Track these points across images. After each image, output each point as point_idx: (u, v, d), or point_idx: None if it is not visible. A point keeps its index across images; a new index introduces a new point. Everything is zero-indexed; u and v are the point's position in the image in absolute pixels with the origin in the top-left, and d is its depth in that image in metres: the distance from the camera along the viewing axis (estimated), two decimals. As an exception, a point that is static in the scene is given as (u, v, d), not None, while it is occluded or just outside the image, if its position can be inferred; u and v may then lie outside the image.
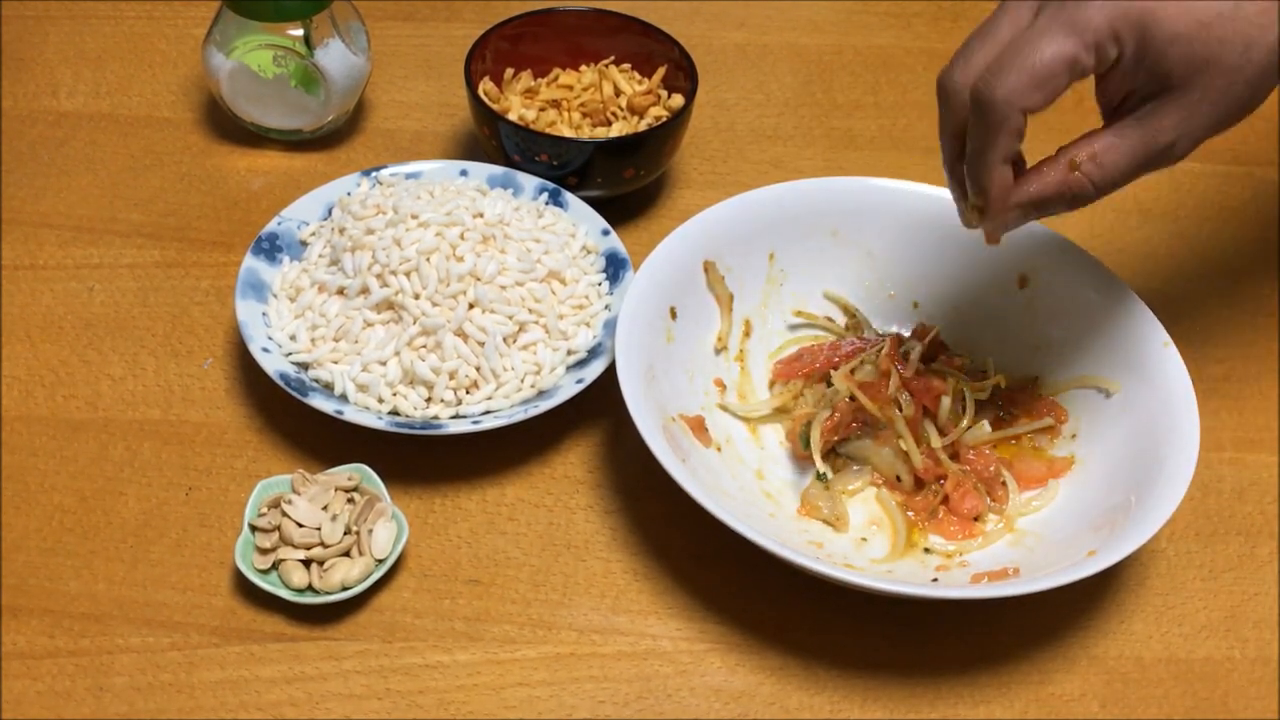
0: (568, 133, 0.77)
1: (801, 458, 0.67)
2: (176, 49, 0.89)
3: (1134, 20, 0.53)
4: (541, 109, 0.79)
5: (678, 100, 0.79)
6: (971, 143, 0.56)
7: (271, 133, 0.82)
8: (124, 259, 0.75)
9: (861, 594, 0.60)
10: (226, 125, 0.83)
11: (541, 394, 0.65)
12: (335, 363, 0.65)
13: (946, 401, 0.65)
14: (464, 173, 0.75)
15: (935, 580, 0.62)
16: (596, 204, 0.74)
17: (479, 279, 0.66)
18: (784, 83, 0.91)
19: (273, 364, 0.64)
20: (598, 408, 0.68)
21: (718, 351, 0.70)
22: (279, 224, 0.71)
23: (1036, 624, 0.62)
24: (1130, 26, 0.53)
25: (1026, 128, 0.55)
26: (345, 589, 0.59)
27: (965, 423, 0.65)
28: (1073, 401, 0.68)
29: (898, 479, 0.65)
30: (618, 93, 0.80)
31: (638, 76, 0.82)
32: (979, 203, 0.58)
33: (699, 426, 0.66)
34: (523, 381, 0.65)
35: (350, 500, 0.62)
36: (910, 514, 0.65)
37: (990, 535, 0.64)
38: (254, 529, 0.60)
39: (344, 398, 0.64)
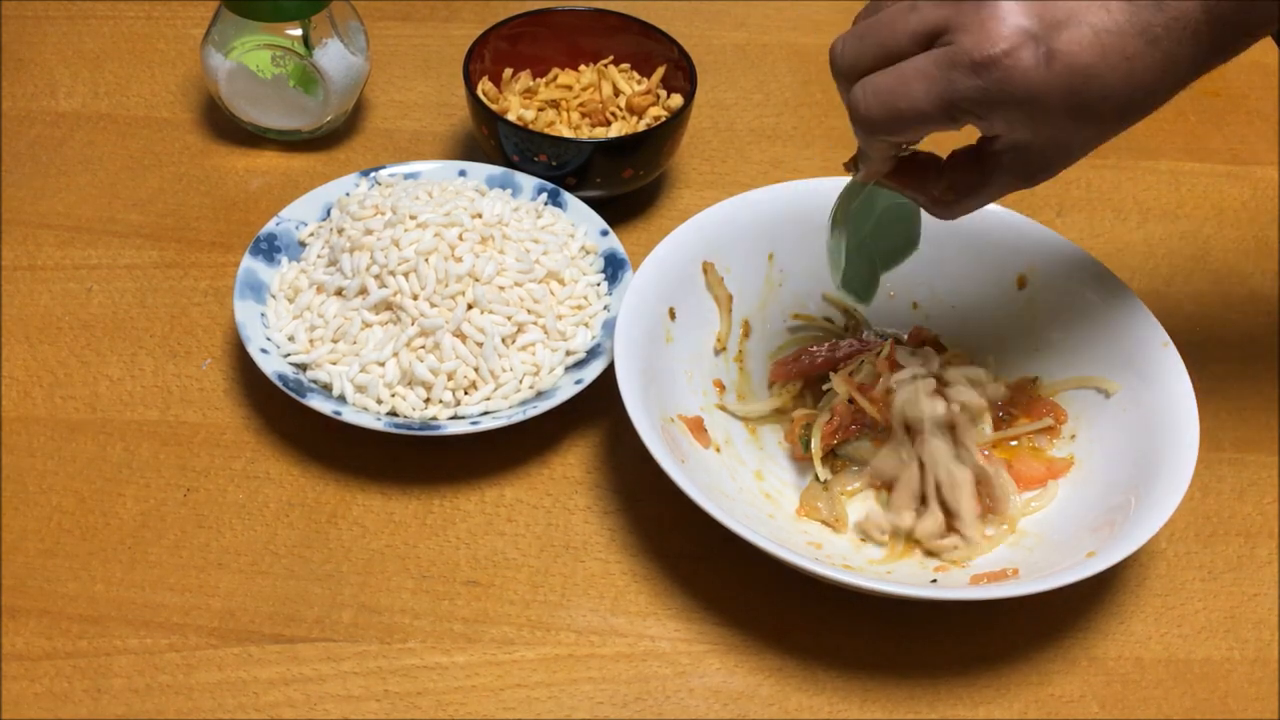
0: (566, 133, 0.77)
1: (801, 459, 0.66)
2: (175, 49, 0.89)
3: (1014, 100, 0.51)
4: (540, 109, 0.79)
5: (677, 100, 0.79)
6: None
7: (270, 133, 0.82)
8: (122, 259, 0.75)
9: (860, 595, 0.60)
10: (225, 125, 0.83)
11: (540, 395, 0.65)
12: (334, 363, 0.65)
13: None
14: (463, 173, 0.75)
15: (934, 581, 0.61)
16: (596, 204, 0.74)
17: (477, 279, 0.66)
18: (784, 83, 0.91)
19: (271, 365, 0.64)
20: (596, 408, 0.68)
21: (717, 352, 0.70)
22: (277, 224, 0.71)
23: (1036, 625, 0.62)
24: (1009, 105, 0.51)
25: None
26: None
27: (965, 423, 0.65)
28: (1072, 402, 0.68)
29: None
30: (616, 93, 0.80)
31: (637, 76, 0.81)
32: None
33: (698, 427, 0.66)
34: (521, 382, 0.65)
35: None
36: (909, 515, 0.64)
37: (990, 536, 0.64)
38: None
39: (342, 398, 0.64)
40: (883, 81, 0.53)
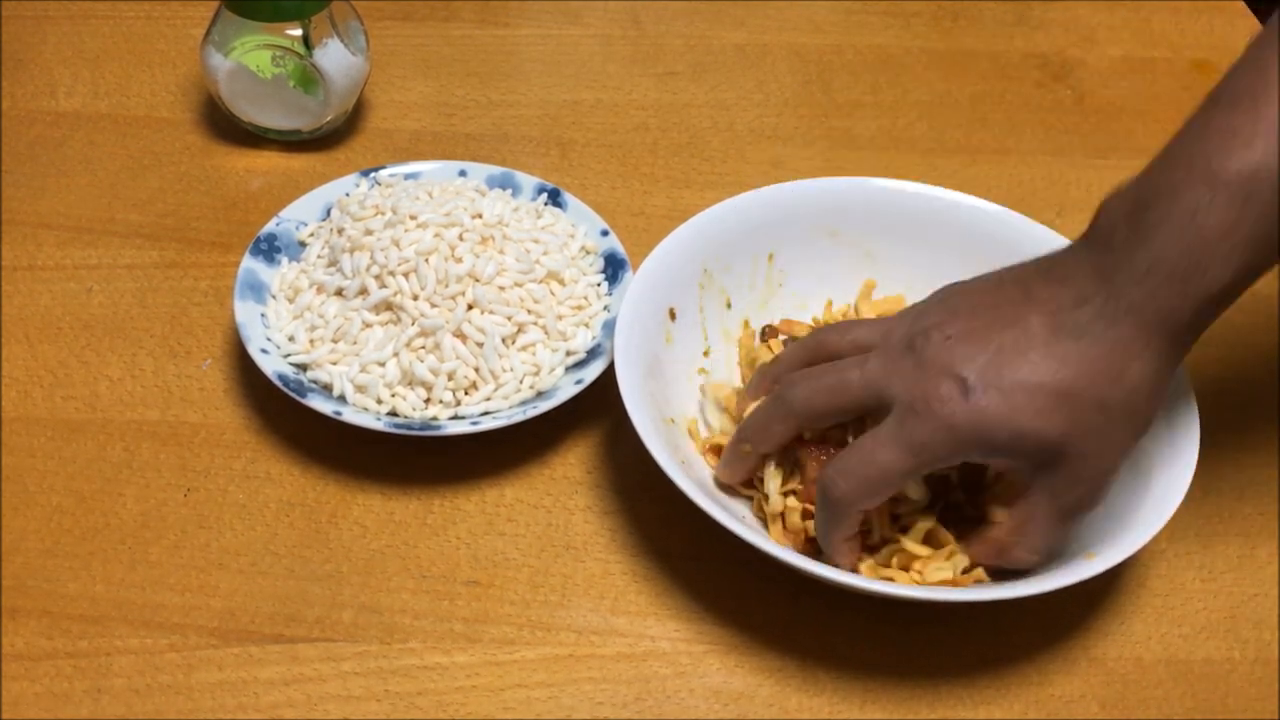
0: None
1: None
2: (175, 49, 0.89)
3: (969, 439, 0.53)
4: None
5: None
6: (818, 515, 0.58)
7: (270, 133, 0.82)
8: (122, 259, 0.75)
9: (860, 595, 0.60)
10: (225, 126, 0.83)
11: (540, 395, 0.65)
12: (334, 364, 0.65)
13: None
14: (463, 173, 0.75)
15: (934, 581, 0.61)
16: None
17: (478, 280, 0.66)
18: (784, 83, 0.91)
19: (271, 365, 0.64)
20: (596, 409, 0.68)
21: (717, 352, 0.70)
22: (277, 224, 0.71)
23: (1036, 625, 0.62)
24: (967, 444, 0.54)
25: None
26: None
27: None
28: (1072, 402, 0.67)
29: (897, 480, 0.65)
30: None
31: None
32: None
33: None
34: (521, 382, 0.65)
35: None
36: (909, 515, 0.64)
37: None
38: None
39: (342, 399, 0.64)
40: (849, 457, 0.56)
